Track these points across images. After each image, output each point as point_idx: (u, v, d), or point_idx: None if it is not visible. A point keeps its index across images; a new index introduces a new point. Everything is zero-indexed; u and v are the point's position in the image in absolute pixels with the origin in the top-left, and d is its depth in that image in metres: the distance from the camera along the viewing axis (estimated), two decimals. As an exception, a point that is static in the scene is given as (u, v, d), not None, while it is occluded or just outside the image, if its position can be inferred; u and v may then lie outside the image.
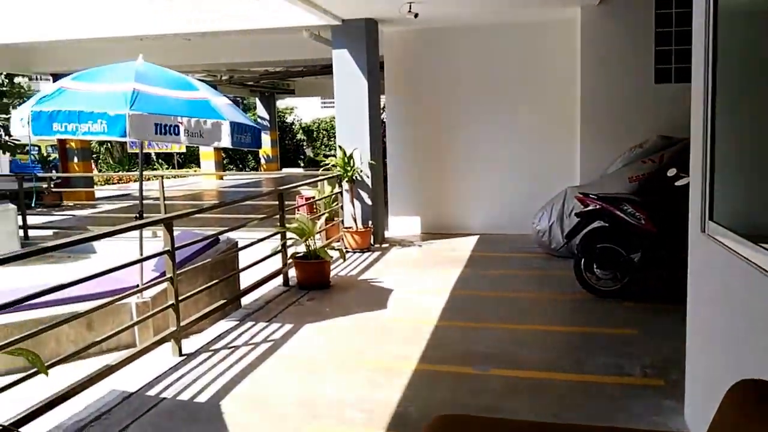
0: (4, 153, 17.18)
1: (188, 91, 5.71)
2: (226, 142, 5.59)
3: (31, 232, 11.39)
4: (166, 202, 10.51)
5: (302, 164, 31.63)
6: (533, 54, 9.75)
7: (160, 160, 27.86)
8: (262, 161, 27.65)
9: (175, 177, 23.84)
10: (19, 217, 10.95)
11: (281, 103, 31.64)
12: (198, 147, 25.43)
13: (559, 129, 9.70)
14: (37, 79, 21.00)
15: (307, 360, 4.83)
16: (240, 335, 5.44)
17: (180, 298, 5.00)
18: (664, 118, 8.41)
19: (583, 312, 6.11)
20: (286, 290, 6.90)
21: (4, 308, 3.59)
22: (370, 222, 9.23)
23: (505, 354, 4.91)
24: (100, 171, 25.79)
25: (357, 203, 9.21)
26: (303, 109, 36.20)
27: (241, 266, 7.05)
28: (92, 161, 23.59)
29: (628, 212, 6.30)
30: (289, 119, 33.73)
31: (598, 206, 6.50)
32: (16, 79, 16.87)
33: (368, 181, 9.19)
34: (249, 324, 5.73)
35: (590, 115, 9.05)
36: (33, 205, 15.21)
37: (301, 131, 33.63)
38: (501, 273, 7.57)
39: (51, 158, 20.33)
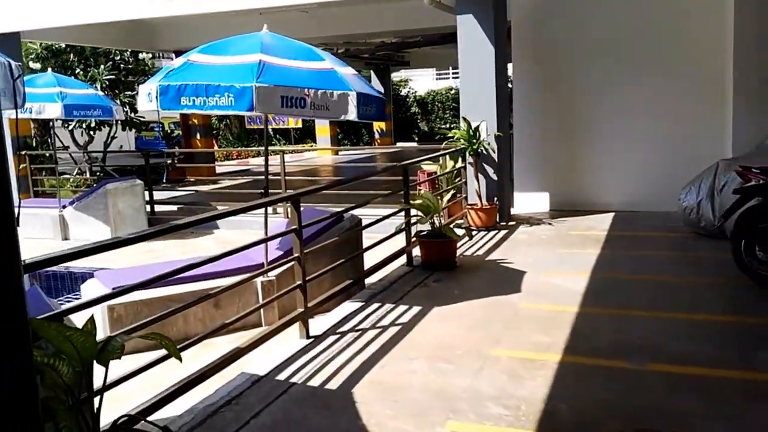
0: (130, 130, 18.06)
1: (314, 62, 5.56)
2: (352, 114, 5.40)
3: (157, 207, 11.86)
4: (286, 177, 10.59)
5: (416, 138, 31.43)
6: (677, 16, 8.93)
7: (277, 136, 28.51)
8: (376, 135, 27.68)
9: (292, 152, 24.33)
10: (146, 193, 11.44)
11: (395, 76, 31.49)
12: (313, 122, 25.83)
13: (706, 97, 8.89)
14: (159, 57, 21.94)
15: (438, 346, 4.59)
16: (366, 317, 5.29)
17: (307, 278, 4.89)
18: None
19: (744, 300, 5.50)
20: (410, 270, 6.69)
21: (141, 286, 3.58)
22: (495, 198, 8.85)
23: (660, 346, 4.46)
24: (220, 147, 26.75)
25: (482, 178, 8.84)
26: (417, 82, 35.90)
27: (364, 245, 6.91)
28: (213, 138, 24.52)
29: (801, 188, 5.58)
30: (403, 92, 33.53)
31: (761, 181, 5.81)
32: (141, 56, 17.62)
33: (494, 155, 8.79)
34: (375, 306, 5.57)
35: (744, 83, 8.20)
36: (164, 180, 15.96)
37: (415, 104, 33.38)
38: (645, 254, 7.00)
39: (174, 135, 21.25)
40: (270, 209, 8.89)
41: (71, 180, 16.06)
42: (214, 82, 5.30)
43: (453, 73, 35.06)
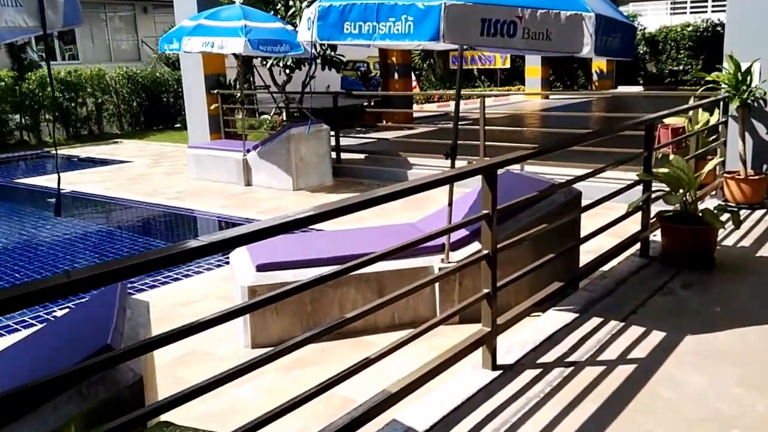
0: (329, 69, 17.47)
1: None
2: (587, 46, 3.75)
3: (345, 155, 10.99)
4: (486, 127, 9.09)
5: (641, 81, 27.92)
6: None
7: (482, 77, 26.76)
8: (594, 78, 24.88)
9: (496, 96, 22.55)
10: (333, 139, 10.58)
11: (623, 9, 28.04)
12: (522, 60, 23.67)
13: None
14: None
15: (700, 416, 2.96)
16: (580, 342, 3.76)
17: (499, 284, 3.46)
18: None
19: None
20: (644, 265, 4.97)
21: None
22: (765, 166, 6.66)
23: None
24: (422, 89, 25.66)
25: (748, 138, 6.68)
26: (648, 17, 31.87)
27: (583, 229, 5.27)
28: (414, 78, 23.47)
29: None
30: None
31: None
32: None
33: (769, 108, 6.57)
34: (592, 321, 4.01)
35: None
36: (360, 126, 15.14)
37: (643, 42, 29.63)
38: None
39: (372, 75, 20.43)
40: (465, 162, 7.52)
41: (268, 121, 15.90)
42: (389, 1, 3.94)
43: (692, 6, 30.63)
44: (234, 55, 16.31)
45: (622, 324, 3.95)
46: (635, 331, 3.85)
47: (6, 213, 9.54)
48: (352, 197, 2.84)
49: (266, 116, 16.43)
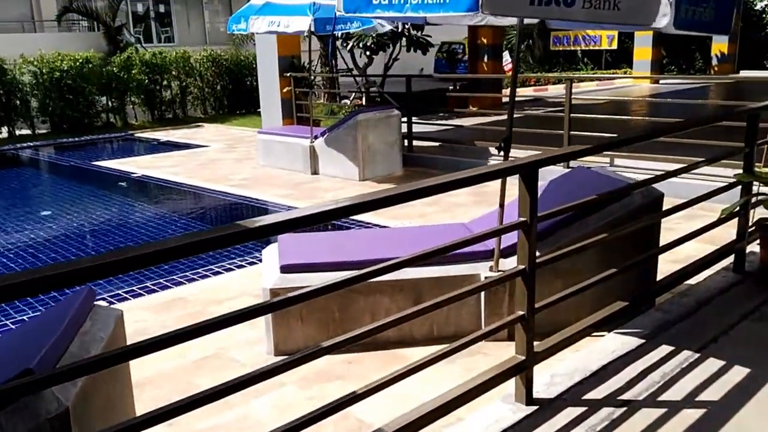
0: (414, 50, 17.01)
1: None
2: (663, 19, 3.19)
3: (418, 143, 10.58)
4: (572, 115, 8.43)
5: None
6: None
7: (585, 59, 25.51)
8: (714, 61, 23.18)
9: (599, 80, 21.38)
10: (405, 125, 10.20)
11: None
12: (631, 41, 22.34)
13: None
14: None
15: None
16: (642, 374, 3.21)
17: (539, 305, 2.97)
18: None
19: None
20: (736, 282, 4.31)
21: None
22: None
23: None
24: (521, 72, 24.74)
25: None
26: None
27: (666, 237, 4.64)
28: (510, 60, 22.65)
29: None
30: (758, 5, 27.63)
31: None
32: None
33: None
34: (661, 349, 3.44)
35: None
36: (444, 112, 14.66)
37: (772, 20, 27.36)
38: None
39: (459, 57, 19.79)
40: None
41: (348, 105, 15.68)
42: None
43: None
44: (316, 36, 16.23)
45: (697, 355, 3.36)
46: (711, 365, 3.26)
47: (71, 195, 9.75)
48: (367, 194, 2.47)
49: (346, 101, 16.21)
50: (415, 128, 10.63)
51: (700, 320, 3.80)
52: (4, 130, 14.96)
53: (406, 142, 10.23)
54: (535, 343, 3.03)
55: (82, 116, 15.75)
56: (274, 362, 2.33)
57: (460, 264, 4.23)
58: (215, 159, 11.77)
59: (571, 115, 8.35)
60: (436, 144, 10.57)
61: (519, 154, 8.78)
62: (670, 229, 6.19)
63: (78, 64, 15.52)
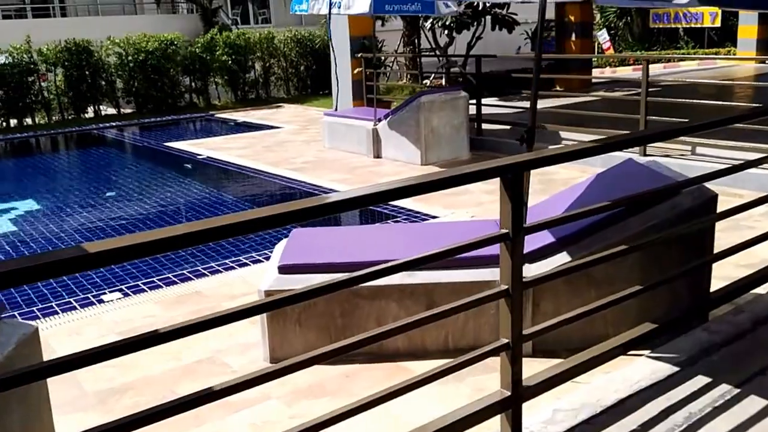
0: (500, 29, 16.30)
1: None
2: None
3: (488, 126, 10.05)
4: (649, 99, 7.70)
5: None
6: None
7: (685, 37, 23.81)
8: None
9: (700, 60, 19.88)
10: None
11: None
12: (737, 18, 20.60)
13: None
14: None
15: None
16: (666, 412, 2.71)
17: (529, 331, 2.52)
18: None
19: None
20: (809, 298, 3.68)
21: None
22: None
23: None
24: (617, 50, 23.42)
25: None
26: None
27: (743, 236, 4.03)
28: (608, 38, 21.48)
29: None
30: None
31: None
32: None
33: None
34: (696, 381, 2.92)
35: None
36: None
37: None
38: None
39: (545, 36, 18.77)
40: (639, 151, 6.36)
41: (428, 86, 15.23)
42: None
43: None
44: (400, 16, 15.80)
45: (738, 390, 2.83)
46: (753, 404, 2.72)
47: (136, 177, 9.85)
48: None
49: (426, 81, 15.76)
50: (488, 110, 10.11)
51: (752, 344, 3.23)
52: (90, 109, 15.42)
53: (475, 125, 9.73)
54: (534, 370, 2.61)
55: (165, 96, 16.05)
56: (255, 372, 2.07)
57: (479, 268, 3.80)
58: (285, 141, 11.65)
59: (648, 99, 7.62)
60: (508, 127, 9.99)
61: (582, 138, 8.29)
62: (750, 227, 5.49)
63: (162, 45, 15.78)
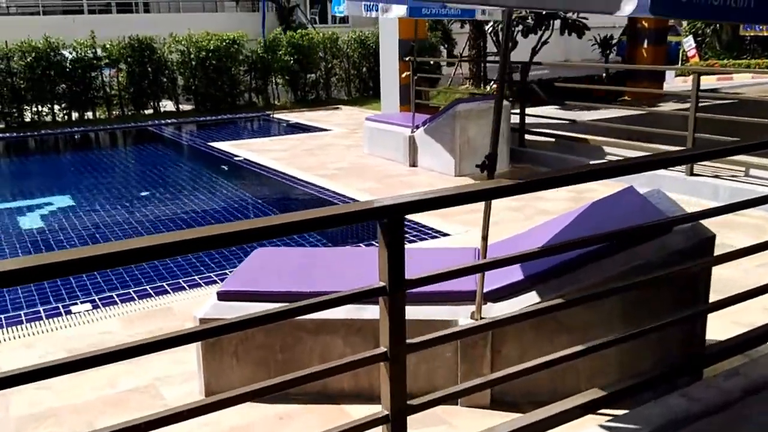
0: (569, 34, 15.59)
1: None
2: (628, 3, 2.19)
3: (531, 138, 9.52)
4: (698, 114, 7.04)
5: None
6: None
7: (753, 45, 22.35)
8: None
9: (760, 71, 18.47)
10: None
11: None
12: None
13: None
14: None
15: None
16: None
17: (418, 402, 2.15)
18: None
19: None
20: (823, 364, 3.11)
21: None
22: None
23: None
24: (704, 57, 22.21)
25: None
26: None
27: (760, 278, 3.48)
28: (693, 46, 20.35)
29: None
30: None
31: None
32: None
33: None
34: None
35: None
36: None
37: None
38: None
39: (613, 42, 17.79)
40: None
41: (489, 91, 14.74)
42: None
43: None
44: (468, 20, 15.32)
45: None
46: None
47: (173, 177, 9.82)
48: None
49: (487, 87, 15.27)
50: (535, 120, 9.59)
51: (733, 421, 2.72)
52: (150, 106, 15.69)
53: (518, 136, 9.24)
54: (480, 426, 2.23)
55: (224, 95, 16.15)
56: (179, 407, 1.96)
57: (437, 305, 3.42)
58: (328, 144, 11.43)
59: (697, 114, 6.95)
60: (552, 139, 9.43)
61: (626, 154, 7.66)
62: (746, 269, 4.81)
63: (224, 44, 15.89)
